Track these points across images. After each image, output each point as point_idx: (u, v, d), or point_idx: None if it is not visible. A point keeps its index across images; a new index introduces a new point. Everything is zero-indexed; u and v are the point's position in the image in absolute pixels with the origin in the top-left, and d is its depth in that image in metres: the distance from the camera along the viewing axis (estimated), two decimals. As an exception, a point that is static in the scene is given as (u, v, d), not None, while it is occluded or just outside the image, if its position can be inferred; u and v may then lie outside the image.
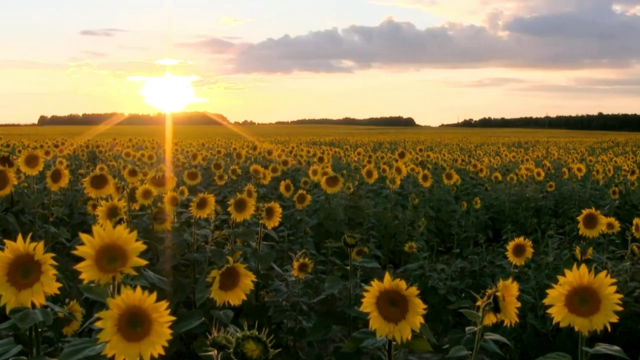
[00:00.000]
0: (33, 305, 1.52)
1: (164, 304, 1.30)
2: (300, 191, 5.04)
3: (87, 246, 1.43)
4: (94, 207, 3.69)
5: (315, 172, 6.48)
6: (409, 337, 1.50)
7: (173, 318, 1.31)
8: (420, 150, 15.04)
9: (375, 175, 6.65)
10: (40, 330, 1.78)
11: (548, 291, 1.61)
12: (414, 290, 1.49)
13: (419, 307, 1.50)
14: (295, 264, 3.11)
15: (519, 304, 1.71)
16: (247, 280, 1.88)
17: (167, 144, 14.53)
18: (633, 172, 8.52)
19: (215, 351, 1.33)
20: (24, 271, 1.45)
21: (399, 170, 6.64)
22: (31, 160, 3.95)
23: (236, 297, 1.87)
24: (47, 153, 10.38)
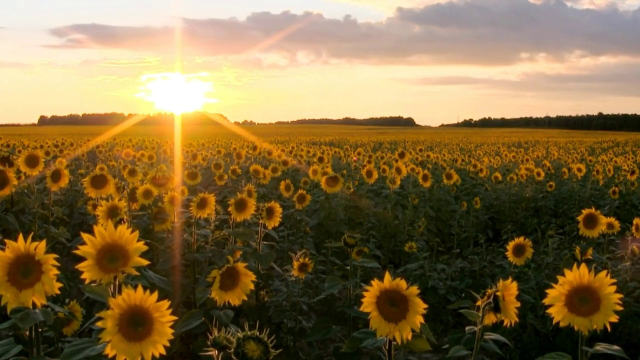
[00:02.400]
0: (34, 305, 1.52)
1: (165, 304, 1.30)
2: (300, 191, 5.04)
3: (88, 246, 1.43)
4: (94, 207, 3.69)
5: (315, 172, 6.49)
6: (409, 337, 1.50)
7: (175, 317, 1.31)
8: (420, 150, 15.05)
9: (375, 175, 6.65)
10: (40, 330, 1.78)
11: (548, 291, 1.62)
12: (414, 289, 1.49)
13: (419, 307, 1.50)
14: (295, 264, 3.11)
15: (518, 304, 1.71)
16: (247, 280, 1.87)
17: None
18: (633, 172, 8.52)
19: (216, 351, 1.33)
20: (24, 271, 1.45)
21: (399, 170, 6.64)
22: (31, 160, 3.95)
23: (236, 297, 1.87)
24: (47, 153, 10.40)
